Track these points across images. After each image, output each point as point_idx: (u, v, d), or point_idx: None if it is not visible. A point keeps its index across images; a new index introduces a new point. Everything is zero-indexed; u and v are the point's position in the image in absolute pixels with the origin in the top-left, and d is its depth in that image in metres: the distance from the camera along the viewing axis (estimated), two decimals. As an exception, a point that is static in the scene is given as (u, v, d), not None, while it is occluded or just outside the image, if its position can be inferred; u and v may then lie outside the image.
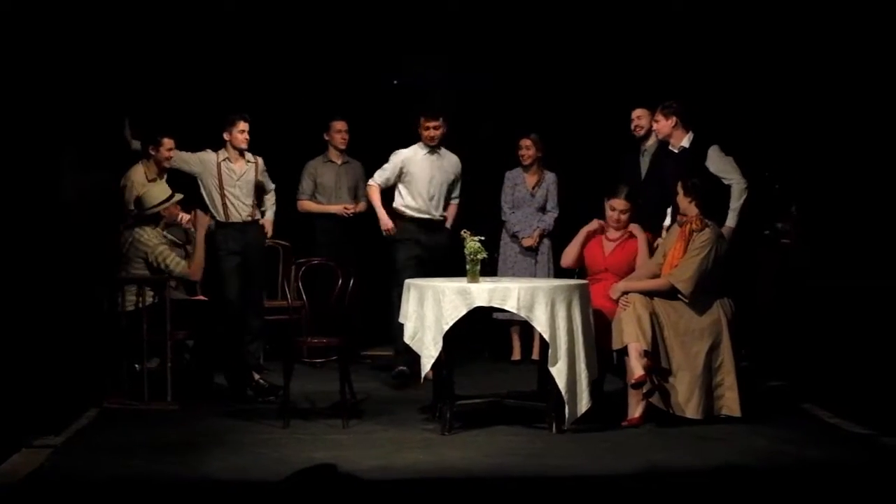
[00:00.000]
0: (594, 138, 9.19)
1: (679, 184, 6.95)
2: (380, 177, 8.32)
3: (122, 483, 5.51)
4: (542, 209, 9.00)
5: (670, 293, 6.79)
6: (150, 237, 7.32)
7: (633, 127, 8.39)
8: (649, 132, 8.33)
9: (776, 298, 7.98)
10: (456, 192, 8.47)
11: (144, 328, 7.13)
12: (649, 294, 6.76)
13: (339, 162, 9.00)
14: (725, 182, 7.59)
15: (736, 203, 7.54)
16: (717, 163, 7.63)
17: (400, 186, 8.33)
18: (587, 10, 9.33)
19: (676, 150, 7.73)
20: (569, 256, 7.43)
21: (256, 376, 7.43)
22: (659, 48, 9.24)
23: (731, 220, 7.53)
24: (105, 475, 5.64)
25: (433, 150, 8.30)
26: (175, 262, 7.27)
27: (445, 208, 8.40)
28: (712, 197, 7.06)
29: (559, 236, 8.78)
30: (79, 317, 7.00)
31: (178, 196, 7.49)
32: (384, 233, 8.26)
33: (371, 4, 9.35)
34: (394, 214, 8.30)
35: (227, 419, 6.86)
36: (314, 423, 6.79)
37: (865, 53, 7.69)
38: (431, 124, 8.22)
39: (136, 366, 7.25)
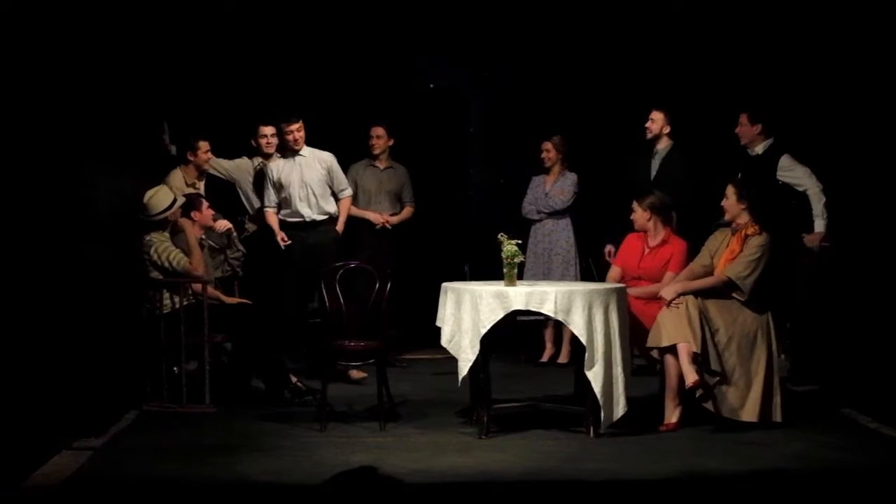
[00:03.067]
0: (615, 140, 9.11)
1: (732, 188, 6.92)
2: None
3: (160, 485, 5.56)
4: None
5: (721, 294, 6.75)
6: (153, 237, 7.36)
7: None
8: (659, 135, 8.30)
9: (813, 302, 7.91)
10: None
11: (182, 331, 7.18)
12: (702, 295, 6.73)
13: (381, 167, 8.94)
14: (799, 190, 7.66)
15: (818, 208, 7.66)
16: (789, 171, 7.70)
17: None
18: (617, 12, 9.33)
19: (753, 155, 7.92)
20: (612, 278, 7.40)
21: (294, 379, 7.46)
22: (682, 51, 9.23)
23: (818, 226, 7.66)
24: (144, 477, 5.69)
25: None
26: (178, 259, 7.30)
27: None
28: (765, 203, 7.05)
29: (585, 246, 8.78)
30: (118, 320, 7.05)
31: (181, 200, 7.54)
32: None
33: (400, 10, 9.38)
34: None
35: (265, 422, 6.89)
36: (351, 427, 6.80)
37: (882, 50, 7.58)
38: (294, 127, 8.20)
39: (175, 369, 7.29)
